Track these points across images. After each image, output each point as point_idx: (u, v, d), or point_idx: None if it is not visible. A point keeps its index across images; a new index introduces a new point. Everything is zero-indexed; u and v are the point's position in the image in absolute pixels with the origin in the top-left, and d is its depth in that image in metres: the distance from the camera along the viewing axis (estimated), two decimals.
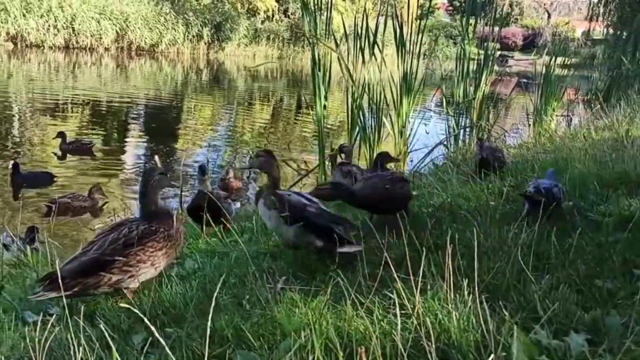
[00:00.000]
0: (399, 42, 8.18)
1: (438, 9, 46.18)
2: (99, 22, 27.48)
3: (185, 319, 2.50)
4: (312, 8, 8.07)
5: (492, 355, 1.85)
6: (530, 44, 45.15)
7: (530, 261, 2.67)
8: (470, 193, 4.36)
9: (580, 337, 2.06)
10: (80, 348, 1.81)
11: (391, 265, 2.38)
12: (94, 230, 6.63)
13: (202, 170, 4.60)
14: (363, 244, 3.08)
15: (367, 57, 8.13)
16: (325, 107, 8.24)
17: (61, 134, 10.33)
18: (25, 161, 9.47)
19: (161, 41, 29.75)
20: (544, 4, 51.98)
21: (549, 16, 50.42)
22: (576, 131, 8.30)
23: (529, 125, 10.41)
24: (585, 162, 4.95)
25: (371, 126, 8.09)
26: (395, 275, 2.31)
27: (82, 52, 26.98)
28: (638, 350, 1.96)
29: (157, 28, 29.46)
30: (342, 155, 6.69)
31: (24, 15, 25.58)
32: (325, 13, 8.39)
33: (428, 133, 9.37)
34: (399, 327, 2.01)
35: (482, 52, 9.57)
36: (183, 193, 6.38)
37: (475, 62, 9.45)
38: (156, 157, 8.47)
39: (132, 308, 1.93)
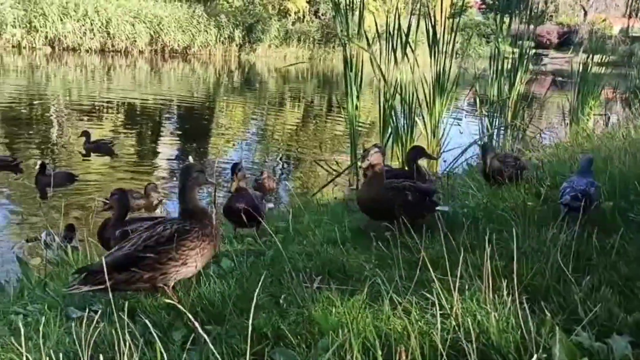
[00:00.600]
0: (432, 41, 8.13)
1: (471, 7, 45.65)
2: (133, 25, 27.98)
3: (223, 316, 2.53)
4: (344, 8, 8.08)
5: (534, 357, 1.82)
6: (565, 41, 44.24)
7: (570, 262, 2.63)
8: (506, 193, 4.31)
9: (624, 340, 2.02)
10: (127, 343, 1.86)
11: (429, 265, 2.37)
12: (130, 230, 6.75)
13: (233, 169, 4.63)
14: (399, 243, 3.08)
15: (399, 57, 8.09)
16: (357, 107, 8.24)
17: (85, 133, 10.56)
18: (61, 162, 9.70)
19: (194, 43, 30.13)
20: (580, 1, 50.95)
21: (585, 13, 49.38)
22: (615, 130, 8.12)
23: (566, 124, 10.22)
24: (625, 162, 4.84)
25: (403, 126, 8.05)
26: (433, 276, 2.30)
27: (117, 55, 27.50)
28: None
29: (190, 30, 29.85)
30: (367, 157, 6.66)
31: (61, 20, 26.20)
32: (357, 13, 8.38)
33: (462, 133, 9.28)
34: (438, 327, 2.01)
35: (516, 50, 9.43)
36: (217, 193, 6.44)
37: (510, 60, 9.33)
38: (190, 157, 8.59)
39: (176, 305, 1.97)
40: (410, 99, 7.99)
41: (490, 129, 8.91)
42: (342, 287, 2.75)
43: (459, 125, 9.93)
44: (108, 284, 2.49)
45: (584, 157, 3.94)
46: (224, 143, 12.47)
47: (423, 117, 8.14)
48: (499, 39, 9.53)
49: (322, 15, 37.55)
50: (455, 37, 8.20)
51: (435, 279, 2.29)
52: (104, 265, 2.55)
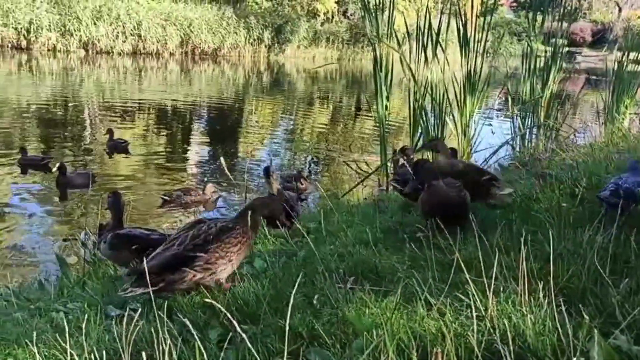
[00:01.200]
0: (462, 40, 8.06)
1: (502, 5, 45.08)
2: (164, 28, 28.37)
3: (258, 316, 2.56)
4: (373, 8, 8.06)
5: None
6: (599, 39, 43.37)
7: (608, 264, 2.59)
8: (540, 194, 4.25)
9: None
10: (167, 342, 1.90)
11: (463, 267, 2.36)
12: (163, 229, 6.88)
13: (267, 172, 4.67)
14: (432, 244, 3.07)
15: (429, 56, 8.04)
16: (386, 107, 8.22)
17: (109, 131, 10.82)
18: (94, 162, 9.91)
19: (223, 45, 30.41)
20: None
21: (620, 10, 48.28)
22: None
23: (600, 124, 10.02)
24: None
25: (434, 126, 7.99)
26: (467, 277, 2.29)
27: (148, 57, 27.93)
28: None
29: (220, 32, 30.14)
30: (404, 157, 6.65)
31: (94, 24, 26.73)
32: (386, 13, 8.36)
33: (494, 133, 9.18)
34: (474, 328, 2.00)
35: (549, 48, 9.28)
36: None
37: (542, 59, 9.18)
38: (222, 159, 8.67)
39: (213, 304, 2.00)
40: (441, 98, 7.93)
41: (523, 128, 8.79)
42: (375, 288, 2.75)
43: (491, 124, 9.82)
44: (162, 284, 2.65)
45: (632, 161, 3.88)
46: (253, 143, 12.57)
47: (453, 117, 8.07)
48: (531, 37, 9.39)
49: (351, 15, 37.53)
50: (486, 35, 8.12)
51: (469, 281, 2.28)
52: (157, 267, 2.69)
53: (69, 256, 5.49)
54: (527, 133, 8.79)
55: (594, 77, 19.02)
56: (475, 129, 8.23)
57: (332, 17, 37.17)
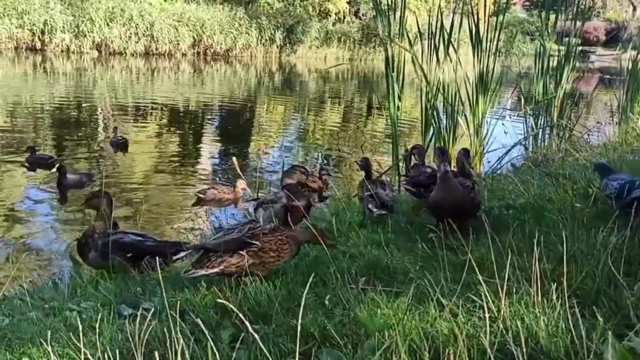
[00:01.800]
0: (475, 39, 8.02)
1: (514, 4, 44.80)
2: (176, 28, 28.52)
3: (270, 316, 2.57)
4: (385, 8, 8.04)
5: None
6: (613, 38, 42.99)
7: (622, 266, 2.57)
8: (553, 194, 4.22)
9: None
10: (180, 341, 1.91)
11: (475, 267, 2.35)
12: (175, 229, 6.92)
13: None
14: (444, 245, 3.06)
15: (441, 56, 8.01)
16: (398, 107, 8.20)
17: (115, 129, 11.01)
18: (107, 162, 9.98)
19: (235, 45, 30.51)
20: None
21: (634, 8, 47.71)
22: None
23: (615, 123, 9.92)
24: None
25: (446, 126, 7.96)
26: (479, 278, 2.28)
27: (160, 58, 28.09)
28: None
29: (232, 33, 30.24)
30: (416, 156, 6.63)
31: (107, 25, 26.94)
32: (398, 13, 8.34)
33: (507, 133, 9.11)
34: (487, 330, 1.99)
35: (562, 48, 9.21)
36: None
37: (555, 58, 9.11)
38: (234, 159, 8.72)
39: (225, 304, 2.01)
40: (453, 98, 7.90)
41: (535, 128, 8.72)
42: (387, 288, 2.75)
43: (503, 124, 9.76)
44: (222, 267, 2.96)
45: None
46: (265, 143, 12.60)
47: (466, 117, 8.03)
48: (544, 36, 9.32)
49: (363, 15, 37.50)
50: (498, 35, 8.07)
51: (482, 282, 2.27)
52: (219, 246, 2.99)
53: None
54: (540, 133, 8.73)
55: (607, 77, 18.83)
56: (487, 129, 8.19)
57: (344, 17, 37.17)
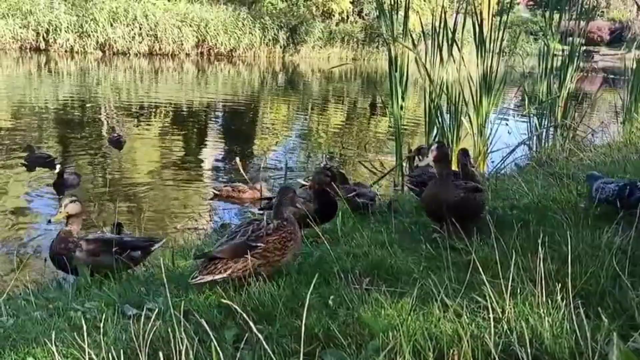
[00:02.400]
0: (478, 39, 8.01)
1: (518, 3, 44.69)
2: (180, 29, 28.54)
3: (274, 316, 2.57)
4: (388, 8, 8.04)
5: None
6: (617, 38, 42.88)
7: (627, 266, 2.56)
8: (557, 195, 4.22)
9: None
10: (184, 341, 1.91)
11: (480, 268, 2.35)
12: (178, 229, 6.92)
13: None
14: (448, 245, 3.06)
15: (445, 56, 8.00)
16: (402, 107, 8.19)
17: (112, 129, 11.13)
18: (110, 162, 10.00)
19: (239, 45, 30.51)
20: None
21: (639, 8, 47.62)
22: None
23: (618, 123, 9.90)
24: None
25: (449, 126, 7.95)
26: (484, 279, 2.28)
27: (164, 58, 28.11)
28: None
29: (235, 33, 30.25)
30: (420, 157, 6.63)
31: (111, 25, 26.98)
32: (402, 12, 8.33)
33: (510, 133, 9.11)
34: (492, 330, 1.99)
35: (565, 47, 9.19)
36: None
37: (559, 58, 9.10)
38: (237, 159, 8.72)
39: (229, 304, 2.01)
40: (456, 98, 7.89)
41: (539, 128, 8.71)
42: (391, 289, 2.75)
43: (507, 124, 9.75)
44: (229, 272, 2.99)
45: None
46: (268, 143, 12.60)
47: (469, 117, 8.02)
48: (548, 36, 9.31)
49: (366, 15, 37.46)
50: (502, 34, 8.06)
51: (486, 282, 2.27)
52: (224, 252, 3.03)
53: None
54: (544, 133, 8.72)
55: (611, 76, 18.79)
56: (491, 129, 8.18)
57: (347, 17, 37.13)
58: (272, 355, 1.90)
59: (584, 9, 9.77)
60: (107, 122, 13.58)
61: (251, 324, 1.81)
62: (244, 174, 8.30)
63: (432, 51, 8.05)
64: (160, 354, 1.81)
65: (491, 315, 2.07)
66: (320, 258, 3.41)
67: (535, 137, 8.61)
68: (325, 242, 3.39)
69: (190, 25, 28.89)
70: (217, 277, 3.00)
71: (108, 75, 22.51)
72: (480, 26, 7.99)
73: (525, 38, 38.75)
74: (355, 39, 35.21)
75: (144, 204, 7.86)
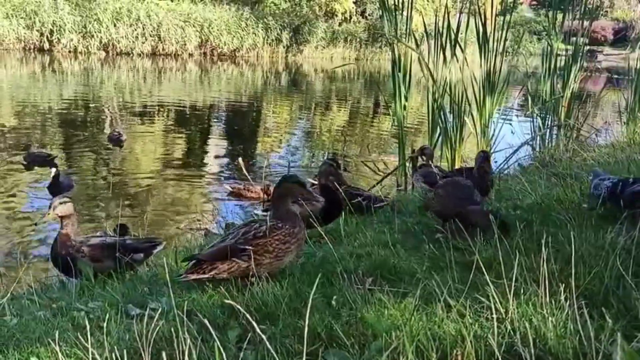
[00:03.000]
0: (482, 39, 8.00)
1: (521, 3, 44.62)
2: (183, 29, 28.56)
3: (276, 316, 2.57)
4: (391, 8, 8.04)
5: None
6: (621, 37, 42.76)
7: (630, 266, 2.55)
8: (561, 195, 4.21)
9: None
10: (187, 341, 1.91)
11: (483, 268, 2.34)
12: (181, 229, 6.94)
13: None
14: (451, 245, 3.05)
15: (448, 56, 8.00)
16: (405, 107, 8.19)
17: (112, 125, 11.27)
18: (114, 162, 10.02)
19: (242, 46, 30.52)
20: None
21: None
22: None
23: (622, 123, 9.87)
24: None
25: (452, 126, 7.95)
26: (487, 279, 2.27)
27: (167, 58, 28.14)
28: None
29: (238, 33, 30.26)
30: (423, 157, 6.63)
31: (114, 25, 27.01)
32: (405, 12, 8.33)
33: (514, 133, 9.10)
34: (495, 331, 1.98)
35: (569, 47, 9.18)
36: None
37: (563, 58, 9.08)
38: (240, 159, 8.72)
39: (232, 304, 2.02)
40: (460, 98, 7.89)
41: (543, 128, 8.70)
42: (394, 289, 2.74)
43: (510, 124, 9.74)
44: (213, 272, 3.01)
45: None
46: (271, 143, 12.61)
47: (472, 117, 8.02)
48: (552, 36, 9.29)
49: (369, 15, 37.45)
50: (505, 34, 8.05)
51: (489, 282, 2.27)
52: (209, 256, 3.07)
53: None
54: (548, 133, 8.71)
55: (615, 76, 18.75)
56: (494, 129, 8.18)
57: (350, 17, 37.12)
58: (275, 355, 1.90)
59: (587, 9, 9.75)
60: (111, 121, 13.61)
61: (254, 323, 1.81)
62: (247, 174, 8.31)
63: (435, 51, 8.05)
64: (164, 354, 1.81)
65: (494, 316, 2.06)
66: (323, 258, 3.40)
67: (538, 137, 8.60)
68: (328, 242, 3.39)
69: (193, 26, 28.91)
70: (200, 276, 3.03)
71: (111, 75, 22.54)
72: (484, 26, 7.98)
73: (528, 38, 38.72)
74: (358, 39, 35.20)
75: (148, 203, 7.88)
